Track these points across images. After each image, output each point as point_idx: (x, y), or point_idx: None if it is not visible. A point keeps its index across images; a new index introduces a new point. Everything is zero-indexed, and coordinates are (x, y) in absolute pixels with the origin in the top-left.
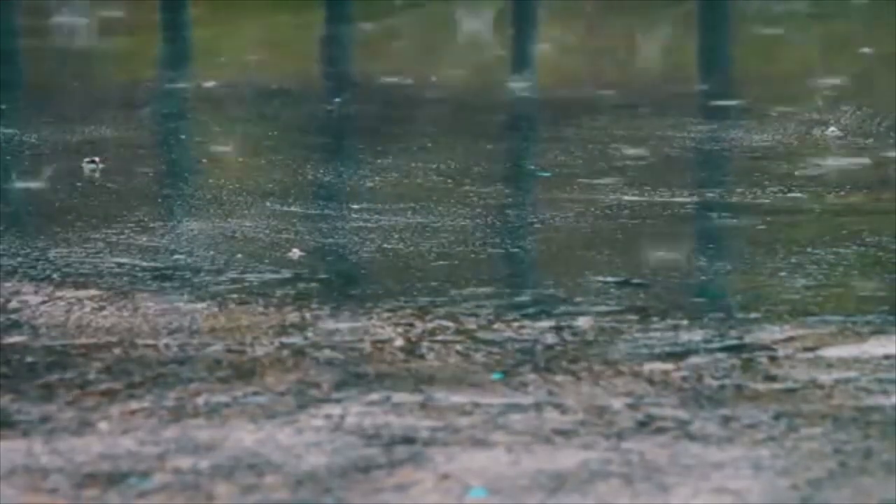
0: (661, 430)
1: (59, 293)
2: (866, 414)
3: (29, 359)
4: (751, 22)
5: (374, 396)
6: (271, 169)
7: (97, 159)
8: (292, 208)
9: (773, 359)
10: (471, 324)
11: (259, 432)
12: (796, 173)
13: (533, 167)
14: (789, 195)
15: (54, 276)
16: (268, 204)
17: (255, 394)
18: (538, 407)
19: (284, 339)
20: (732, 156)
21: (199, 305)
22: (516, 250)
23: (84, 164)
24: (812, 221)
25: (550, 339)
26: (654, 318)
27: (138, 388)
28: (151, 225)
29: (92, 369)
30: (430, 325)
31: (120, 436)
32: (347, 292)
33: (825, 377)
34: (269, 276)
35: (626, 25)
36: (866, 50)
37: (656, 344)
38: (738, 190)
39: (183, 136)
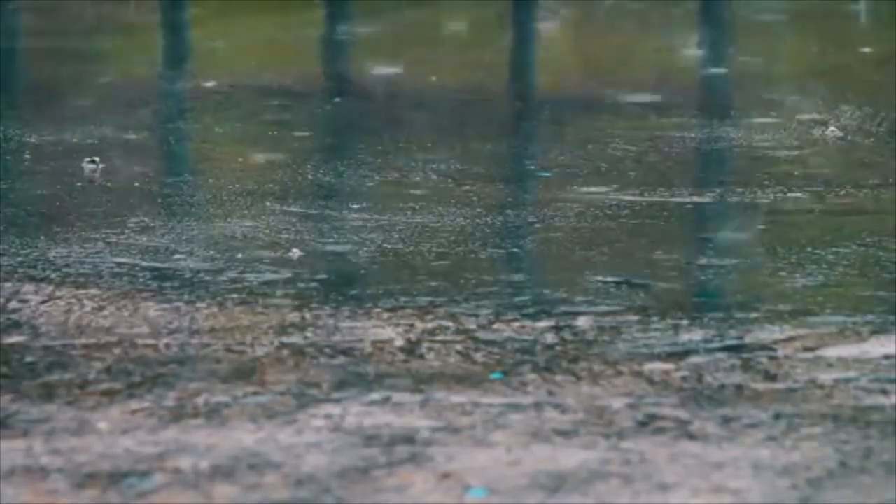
0: (661, 430)
1: (59, 293)
2: (866, 414)
3: (29, 359)
4: (751, 21)
5: (374, 396)
6: (271, 169)
7: (97, 159)
8: (292, 208)
9: (773, 359)
10: (471, 324)
11: (259, 432)
12: (796, 173)
13: (533, 167)
14: (789, 195)
15: (54, 276)
16: (268, 204)
17: (255, 394)
18: (538, 407)
19: (284, 339)
20: (732, 156)
21: (199, 305)
22: (516, 250)
23: (84, 164)
24: (812, 221)
25: (550, 339)
26: (654, 318)
27: (138, 388)
28: (151, 225)
29: (92, 369)
30: (430, 325)
31: (120, 436)
32: (347, 292)
33: (825, 377)
34: (269, 276)
35: (626, 25)
36: (867, 49)
37: (656, 344)
38: (738, 190)
39: (183, 136)
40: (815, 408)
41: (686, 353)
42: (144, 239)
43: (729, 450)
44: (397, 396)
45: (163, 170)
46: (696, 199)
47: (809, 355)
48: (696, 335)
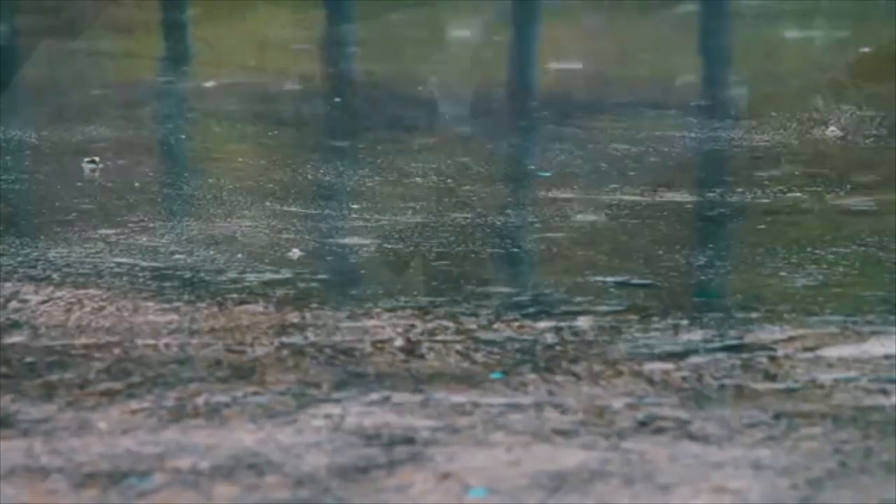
0: (661, 430)
1: (59, 293)
2: (866, 414)
3: (29, 359)
4: (751, 21)
5: (374, 396)
6: (271, 169)
7: (97, 159)
8: (292, 208)
9: (773, 359)
10: (471, 324)
11: (259, 432)
12: (796, 173)
13: (533, 167)
14: (789, 195)
15: (54, 276)
16: (268, 204)
17: (255, 394)
18: (538, 407)
19: (284, 339)
20: (732, 156)
21: (199, 305)
22: (516, 250)
23: (84, 164)
24: (812, 221)
25: (550, 339)
26: (654, 318)
27: (138, 388)
28: (151, 225)
29: (92, 369)
30: (430, 325)
31: (120, 436)
32: (347, 292)
33: (825, 377)
34: (269, 276)
35: (625, 25)
36: (867, 49)
37: (656, 344)
38: (738, 190)
39: (183, 136)
40: (815, 408)
41: (686, 353)
42: (144, 239)
43: (729, 450)
44: (397, 396)
45: (163, 170)
46: (696, 198)
47: (809, 355)
48: (696, 335)
